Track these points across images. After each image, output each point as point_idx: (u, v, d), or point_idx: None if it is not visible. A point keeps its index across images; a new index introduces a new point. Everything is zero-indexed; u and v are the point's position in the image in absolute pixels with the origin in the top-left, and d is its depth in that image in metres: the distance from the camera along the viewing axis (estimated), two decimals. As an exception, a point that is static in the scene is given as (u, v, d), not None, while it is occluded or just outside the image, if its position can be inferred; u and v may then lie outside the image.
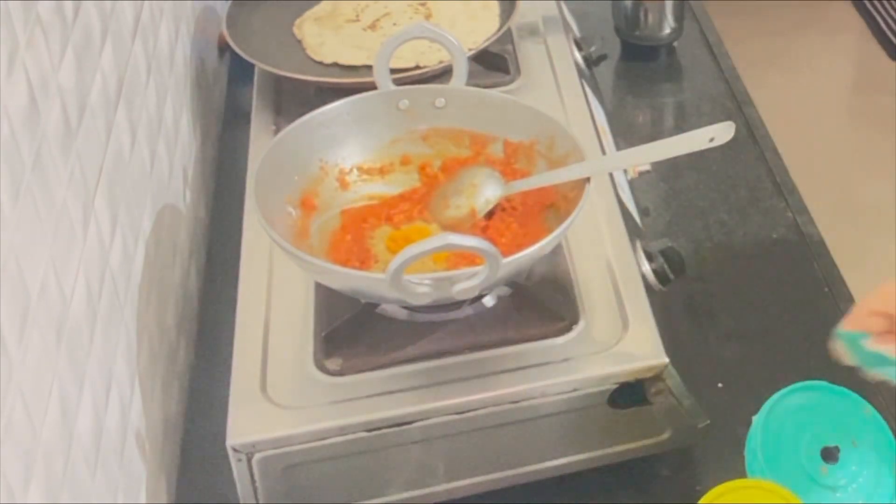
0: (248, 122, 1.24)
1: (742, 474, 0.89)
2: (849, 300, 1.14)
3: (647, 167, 1.20)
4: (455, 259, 0.94)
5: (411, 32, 1.08)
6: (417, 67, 1.22)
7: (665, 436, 0.97)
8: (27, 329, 0.74)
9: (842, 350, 0.84)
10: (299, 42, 1.34)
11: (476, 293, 0.88)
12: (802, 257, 1.19)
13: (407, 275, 0.84)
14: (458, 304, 0.95)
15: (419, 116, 1.06)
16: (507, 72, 1.27)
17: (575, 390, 0.92)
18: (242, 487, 0.90)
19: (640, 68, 1.52)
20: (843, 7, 3.37)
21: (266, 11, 1.37)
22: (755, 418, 0.90)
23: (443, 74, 1.10)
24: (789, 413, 0.89)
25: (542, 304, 0.96)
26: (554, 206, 1.00)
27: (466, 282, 0.86)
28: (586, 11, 1.51)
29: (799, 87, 3.02)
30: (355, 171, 1.06)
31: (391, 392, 0.91)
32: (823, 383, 0.91)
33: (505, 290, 0.97)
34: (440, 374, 0.92)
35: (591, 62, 1.33)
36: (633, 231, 1.05)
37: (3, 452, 0.68)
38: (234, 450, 0.88)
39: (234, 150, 1.32)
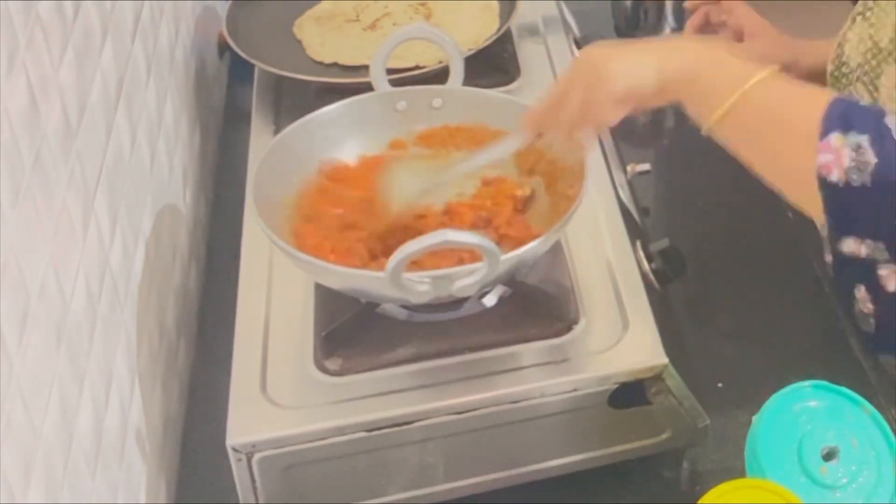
0: (248, 122, 1.23)
1: (742, 474, 0.89)
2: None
3: (647, 167, 1.20)
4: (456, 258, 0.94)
5: (409, 33, 1.08)
6: (417, 67, 1.22)
7: (665, 436, 0.97)
8: (27, 329, 0.74)
9: None
10: (299, 42, 1.34)
11: (475, 290, 0.88)
12: (802, 257, 1.19)
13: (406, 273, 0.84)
14: (457, 304, 0.95)
15: (417, 117, 1.06)
16: (506, 72, 1.27)
17: (575, 390, 0.92)
18: (242, 487, 0.90)
19: (640, 68, 1.51)
20: (844, 7, 3.36)
21: (266, 11, 1.37)
22: (755, 418, 0.90)
23: (443, 74, 1.10)
24: (789, 413, 0.89)
25: (542, 304, 0.96)
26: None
27: (465, 279, 0.86)
28: (586, 11, 1.50)
29: (799, 87, 3.01)
30: (355, 171, 1.06)
31: (391, 392, 0.91)
32: (823, 383, 0.91)
33: (505, 290, 0.97)
34: (440, 374, 0.92)
35: (591, 62, 1.33)
36: (633, 231, 1.05)
37: (3, 452, 0.68)
38: (234, 450, 0.88)
39: (234, 150, 1.32)
